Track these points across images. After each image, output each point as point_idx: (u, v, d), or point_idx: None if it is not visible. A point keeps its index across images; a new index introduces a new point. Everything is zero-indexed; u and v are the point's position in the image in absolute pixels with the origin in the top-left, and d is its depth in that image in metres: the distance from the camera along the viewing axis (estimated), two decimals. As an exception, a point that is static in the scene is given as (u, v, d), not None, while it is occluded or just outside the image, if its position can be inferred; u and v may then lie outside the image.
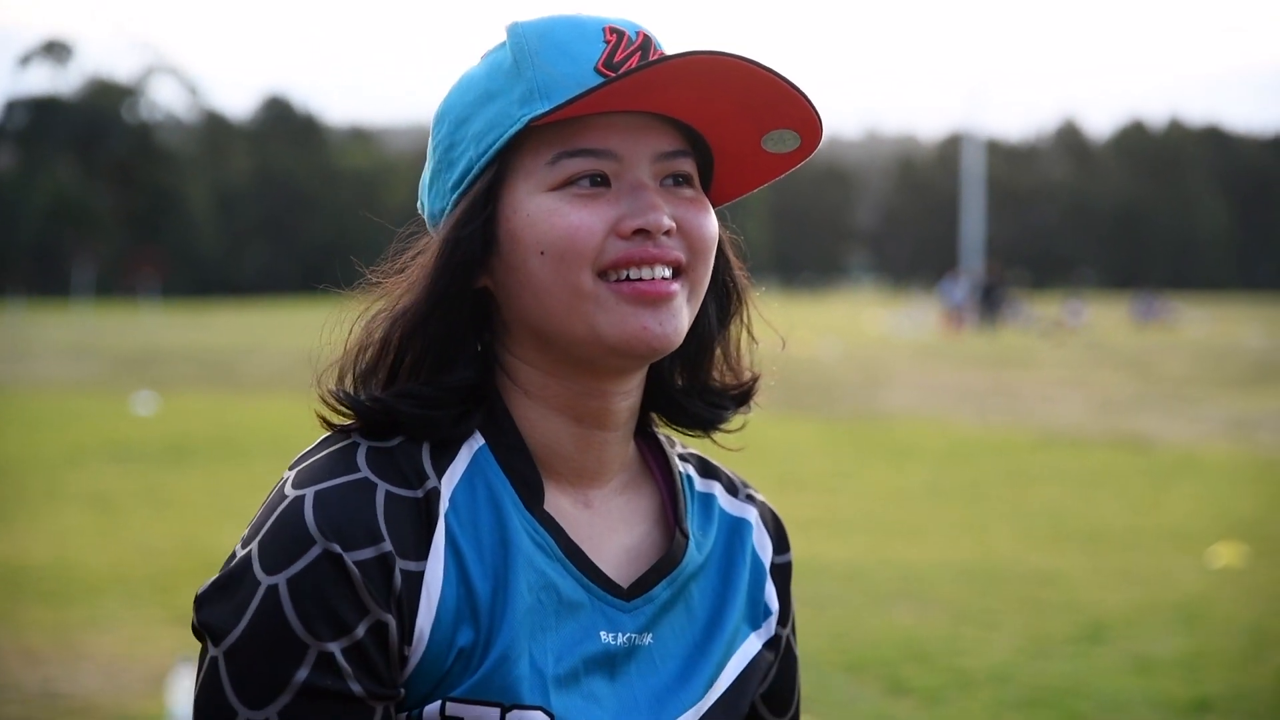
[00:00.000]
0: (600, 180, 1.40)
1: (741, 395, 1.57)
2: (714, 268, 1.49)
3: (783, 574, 1.61)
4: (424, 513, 1.37)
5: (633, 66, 1.39)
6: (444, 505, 1.38)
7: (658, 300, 1.39)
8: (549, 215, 1.38)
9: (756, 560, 1.58)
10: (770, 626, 1.58)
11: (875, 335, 35.18)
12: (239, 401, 19.82)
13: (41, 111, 73.42)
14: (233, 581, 1.33)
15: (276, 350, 27.80)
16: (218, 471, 13.19)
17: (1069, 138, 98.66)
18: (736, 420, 1.59)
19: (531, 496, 1.42)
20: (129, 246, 69.30)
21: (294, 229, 75.49)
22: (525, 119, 1.39)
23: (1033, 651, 6.96)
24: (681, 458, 1.59)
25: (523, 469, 1.43)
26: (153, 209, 72.48)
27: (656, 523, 1.52)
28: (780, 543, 1.62)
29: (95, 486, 12.23)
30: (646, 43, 1.43)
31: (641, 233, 1.39)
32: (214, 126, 79.11)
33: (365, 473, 1.36)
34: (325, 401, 1.43)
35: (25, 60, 74.63)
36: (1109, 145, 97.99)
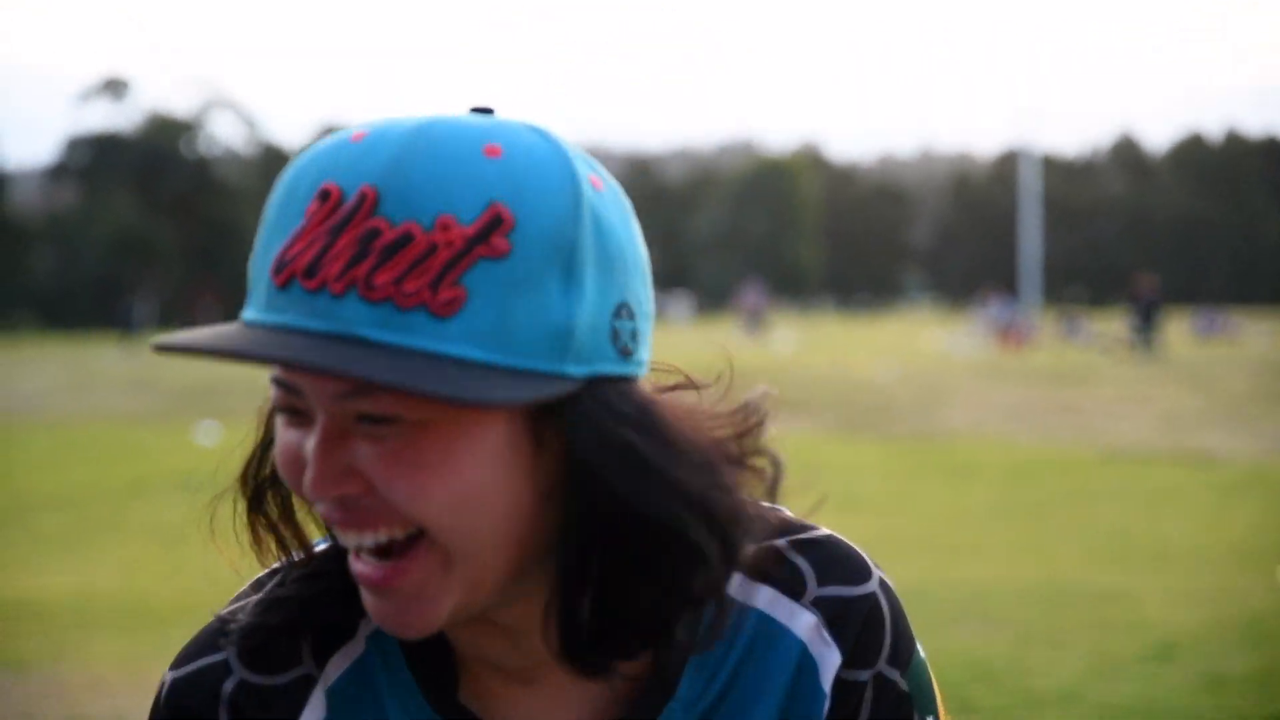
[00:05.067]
0: (298, 410, 1.03)
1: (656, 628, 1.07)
2: (610, 501, 1.01)
3: (848, 693, 1.18)
4: (285, 704, 1.14)
5: (297, 266, 0.97)
6: (314, 700, 1.14)
7: (372, 588, 1.03)
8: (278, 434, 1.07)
9: (804, 680, 1.17)
10: None
11: (933, 354, 35.01)
12: (300, 431, 19.95)
13: (102, 148, 74.37)
14: None
15: (336, 379, 27.96)
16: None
17: (1126, 152, 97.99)
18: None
19: (439, 686, 1.13)
20: (190, 278, 70.02)
21: (351, 259, 76.02)
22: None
23: (1101, 671, 6.90)
24: None
25: (430, 652, 1.13)
26: (212, 241, 73.19)
27: (640, 679, 1.15)
28: (862, 653, 1.18)
29: (160, 517, 12.34)
30: (367, 209, 0.96)
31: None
32: (271, 159, 79.84)
33: (226, 654, 1.15)
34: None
35: (85, 98, 75.64)
36: (1167, 159, 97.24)
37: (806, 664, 1.16)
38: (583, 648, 1.06)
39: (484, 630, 1.11)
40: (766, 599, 1.17)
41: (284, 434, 1.05)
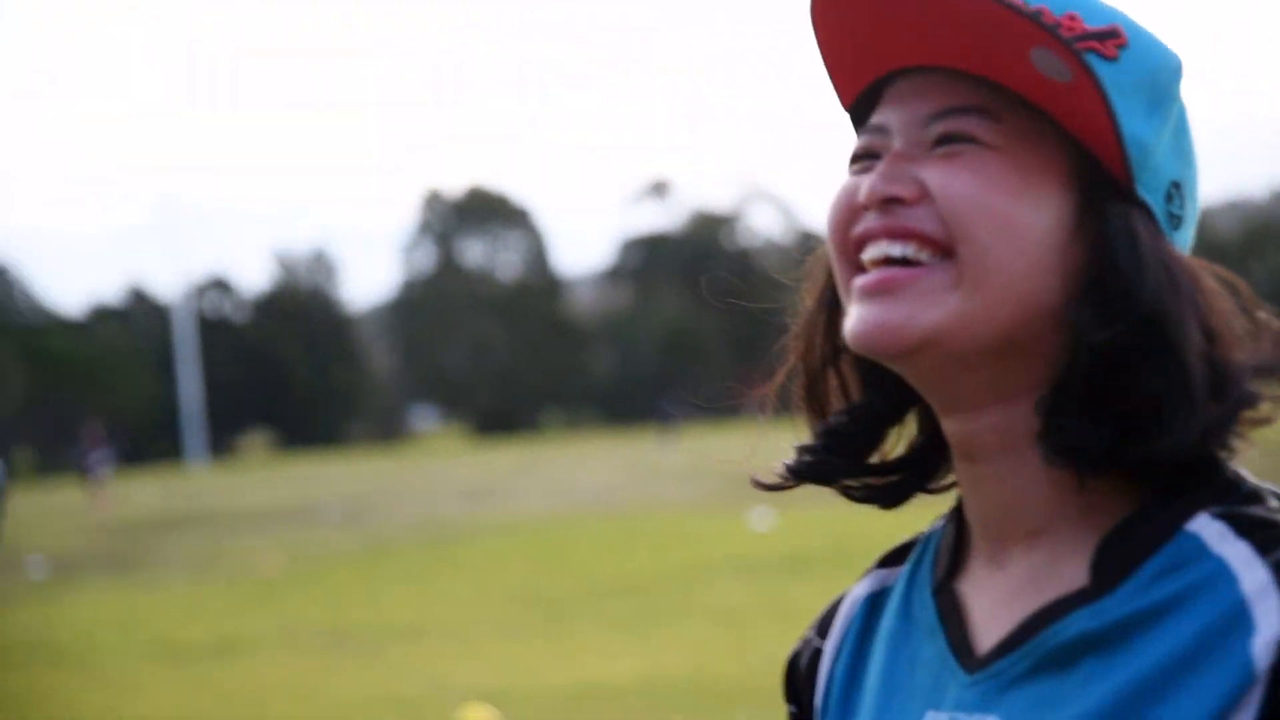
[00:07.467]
0: (875, 154, 1.18)
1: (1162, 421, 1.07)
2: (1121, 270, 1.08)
3: None
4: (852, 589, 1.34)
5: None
6: (864, 583, 1.34)
7: (870, 291, 1.14)
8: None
9: (1230, 641, 1.04)
10: None
11: None
12: (853, 512, 19.99)
13: (651, 248, 78.11)
14: None
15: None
16: (838, 581, 13.19)
17: None
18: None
19: (949, 567, 1.24)
20: (735, 369, 72.30)
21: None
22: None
23: None
24: (1229, 512, 1.09)
25: (957, 532, 1.25)
26: (754, 332, 75.28)
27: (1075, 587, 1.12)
28: None
29: (722, 600, 12.57)
30: None
31: (875, 208, 1.15)
32: (808, 245, 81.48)
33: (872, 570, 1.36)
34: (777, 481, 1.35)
35: (634, 201, 79.82)
36: None
37: (1240, 624, 1.04)
38: (1068, 430, 1.10)
39: (977, 475, 1.18)
40: (1239, 553, 1.07)
41: (846, 182, 1.19)
